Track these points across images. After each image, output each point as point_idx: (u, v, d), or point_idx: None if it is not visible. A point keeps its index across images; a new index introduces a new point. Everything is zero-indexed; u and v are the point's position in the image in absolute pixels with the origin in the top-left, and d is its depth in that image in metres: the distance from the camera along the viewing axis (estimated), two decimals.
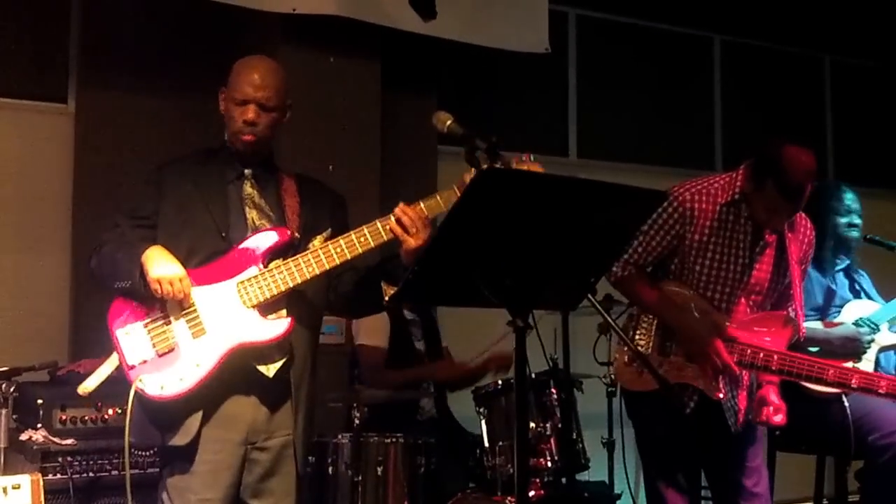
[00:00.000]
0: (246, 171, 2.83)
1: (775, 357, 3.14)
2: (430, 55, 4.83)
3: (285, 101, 2.83)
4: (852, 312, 3.90)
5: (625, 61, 5.90)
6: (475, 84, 5.25)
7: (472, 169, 2.28)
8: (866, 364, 3.86)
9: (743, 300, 3.23)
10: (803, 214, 3.31)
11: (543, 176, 2.21)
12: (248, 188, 2.82)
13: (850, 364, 3.68)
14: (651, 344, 3.22)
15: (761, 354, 3.15)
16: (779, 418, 3.20)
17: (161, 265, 2.62)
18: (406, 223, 2.59)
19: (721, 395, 3.15)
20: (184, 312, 2.68)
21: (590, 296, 2.40)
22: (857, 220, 3.93)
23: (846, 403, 3.69)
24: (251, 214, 2.80)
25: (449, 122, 2.43)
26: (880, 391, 3.21)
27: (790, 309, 3.28)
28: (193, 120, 4.23)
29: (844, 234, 3.91)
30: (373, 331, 4.05)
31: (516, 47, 4.87)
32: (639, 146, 5.80)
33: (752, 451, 3.29)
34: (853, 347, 3.78)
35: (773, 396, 3.22)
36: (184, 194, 2.77)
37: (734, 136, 6.22)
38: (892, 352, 3.92)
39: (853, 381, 3.21)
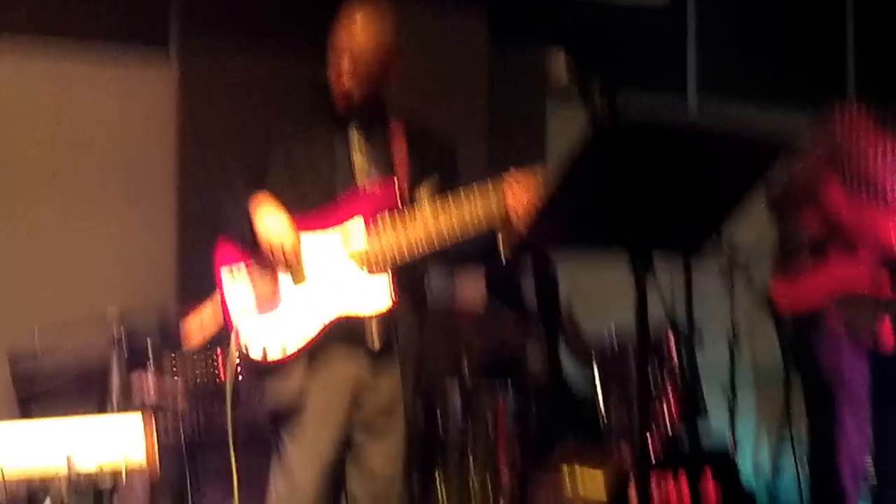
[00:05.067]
0: (353, 120, 2.77)
1: None
2: (540, 9, 4.70)
3: (388, 53, 2.71)
4: None
5: (749, 14, 5.58)
6: (589, 40, 5.06)
7: None
8: None
9: None
10: None
11: (664, 128, 2.06)
12: (355, 138, 2.76)
13: None
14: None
15: None
16: None
17: (271, 224, 2.60)
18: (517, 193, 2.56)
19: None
20: None
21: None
22: None
23: None
24: (359, 163, 2.75)
25: (565, 68, 2.28)
26: None
27: None
28: (297, 70, 4.13)
29: None
30: (469, 285, 3.97)
31: (633, 0, 4.69)
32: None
33: None
34: None
35: None
36: (290, 148, 2.74)
37: (869, 91, 5.82)
38: None
39: None
